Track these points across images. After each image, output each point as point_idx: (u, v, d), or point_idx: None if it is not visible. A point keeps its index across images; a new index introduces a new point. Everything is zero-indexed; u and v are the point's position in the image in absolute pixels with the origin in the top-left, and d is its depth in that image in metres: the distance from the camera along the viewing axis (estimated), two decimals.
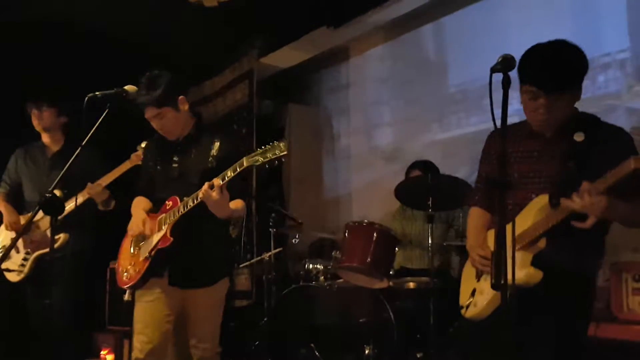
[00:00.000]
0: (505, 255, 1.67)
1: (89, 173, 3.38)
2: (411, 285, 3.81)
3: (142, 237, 2.76)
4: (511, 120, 1.87)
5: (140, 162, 3.21)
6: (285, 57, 5.95)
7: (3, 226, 3.58)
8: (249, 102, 5.85)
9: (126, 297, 2.81)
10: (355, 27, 5.36)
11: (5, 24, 4.63)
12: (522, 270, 2.07)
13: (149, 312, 2.72)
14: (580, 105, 2.25)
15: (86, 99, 2.40)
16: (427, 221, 3.58)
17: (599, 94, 3.89)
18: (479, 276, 2.32)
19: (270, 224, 4.51)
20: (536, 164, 2.21)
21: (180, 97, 2.71)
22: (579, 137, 2.13)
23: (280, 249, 4.52)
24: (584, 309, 2.20)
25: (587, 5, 4.05)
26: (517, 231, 2.11)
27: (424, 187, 3.59)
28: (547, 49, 2.12)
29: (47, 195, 2.29)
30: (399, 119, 5.43)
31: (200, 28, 5.31)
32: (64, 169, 2.37)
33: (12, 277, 3.49)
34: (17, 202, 3.64)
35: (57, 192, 2.65)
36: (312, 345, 3.68)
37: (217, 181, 2.45)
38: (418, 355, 3.60)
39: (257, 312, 4.65)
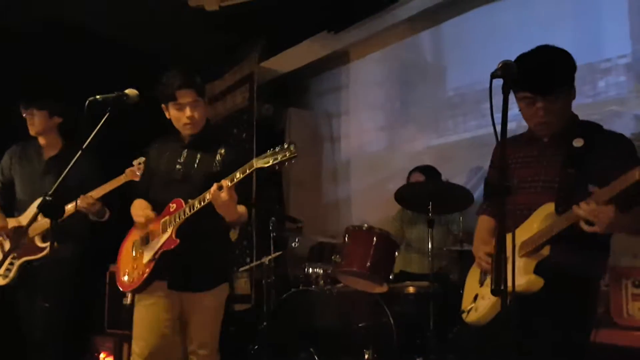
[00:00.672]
0: (505, 261, 1.66)
1: (85, 180, 3.28)
2: (411, 289, 3.81)
3: (144, 240, 2.74)
4: (510, 125, 1.87)
5: (134, 178, 3.16)
6: (286, 61, 5.96)
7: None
8: (249, 105, 5.86)
9: (128, 300, 2.79)
10: (355, 32, 5.37)
11: (4, 25, 4.63)
12: (523, 277, 2.07)
13: (148, 316, 2.70)
14: (582, 111, 2.26)
15: (86, 102, 2.38)
16: (427, 225, 3.58)
17: (600, 100, 3.88)
18: (482, 281, 2.33)
19: (270, 227, 4.51)
20: (535, 167, 2.23)
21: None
22: (578, 142, 2.15)
23: (280, 252, 4.52)
24: (588, 315, 2.19)
25: (588, 10, 4.04)
26: (522, 238, 2.13)
27: (425, 192, 3.59)
28: (534, 54, 2.17)
29: (48, 198, 2.26)
30: (398, 123, 5.43)
31: (201, 32, 5.32)
32: (63, 174, 2.31)
33: None
34: (9, 201, 3.56)
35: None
36: (311, 349, 3.66)
37: (225, 182, 2.43)
38: None
39: (257, 316, 4.64)
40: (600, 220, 1.91)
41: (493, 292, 1.65)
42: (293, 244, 4.51)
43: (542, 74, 2.11)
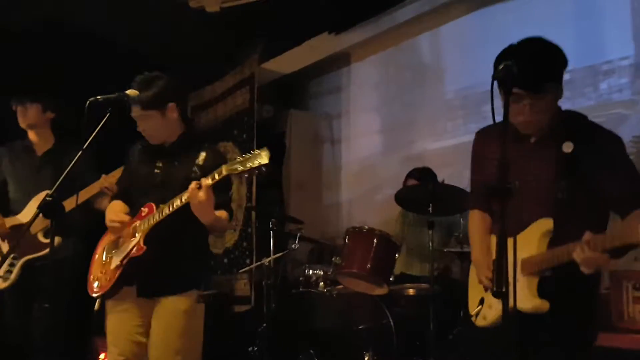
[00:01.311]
0: (506, 265, 1.65)
1: (82, 179, 3.27)
2: (411, 291, 3.80)
3: (115, 244, 2.66)
4: None
5: (108, 187, 3.09)
6: (286, 63, 5.96)
7: None
8: (250, 107, 5.85)
9: (96, 306, 2.71)
10: (356, 34, 5.37)
11: (4, 26, 4.63)
12: (530, 300, 2.02)
13: (119, 323, 2.63)
14: (586, 114, 2.21)
15: (87, 103, 2.37)
16: (428, 227, 3.58)
17: (602, 101, 3.86)
18: (486, 289, 2.28)
19: (271, 228, 4.50)
20: (523, 171, 2.13)
21: (171, 104, 2.61)
22: (567, 147, 2.05)
23: (280, 254, 4.51)
24: (591, 327, 2.16)
25: (590, 11, 4.03)
26: (522, 253, 2.06)
27: (425, 193, 3.59)
28: (522, 48, 2.06)
29: (48, 198, 2.24)
30: (399, 125, 5.43)
31: (201, 33, 5.32)
32: (65, 172, 2.30)
33: None
34: (2, 201, 3.48)
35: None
36: (311, 351, 3.66)
37: (205, 181, 2.35)
38: None
39: (256, 318, 4.64)
40: (591, 266, 1.89)
41: (495, 295, 1.64)
42: (293, 246, 4.50)
43: (530, 69, 1.97)
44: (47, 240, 3.29)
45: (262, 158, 2.24)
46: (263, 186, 5.64)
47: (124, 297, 2.61)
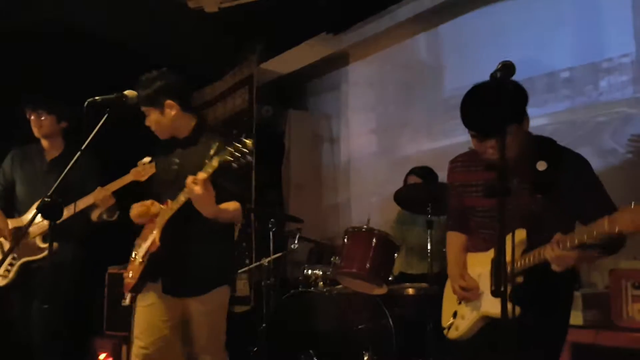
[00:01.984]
0: (505, 263, 1.67)
1: (85, 181, 3.30)
2: (410, 291, 3.80)
3: (141, 242, 2.74)
4: (541, 120, 1.86)
5: (139, 178, 3.11)
6: (285, 63, 5.96)
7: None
8: (249, 107, 5.85)
9: (126, 301, 2.79)
10: (355, 33, 5.37)
11: (4, 26, 4.63)
12: (499, 304, 2.06)
13: (145, 317, 2.69)
14: (588, 113, 2.24)
15: (85, 103, 2.37)
16: (427, 227, 3.58)
17: (604, 100, 3.81)
18: (459, 300, 2.37)
19: (270, 228, 4.50)
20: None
21: (168, 101, 2.67)
22: (541, 165, 2.14)
23: (280, 254, 4.52)
24: (560, 328, 2.26)
25: (589, 8, 3.99)
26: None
27: (423, 194, 3.59)
28: (480, 92, 2.12)
29: (46, 199, 2.25)
30: (398, 125, 5.43)
31: (200, 33, 5.32)
32: (63, 174, 2.32)
33: None
34: (10, 204, 3.56)
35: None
36: (310, 351, 3.66)
37: (201, 174, 2.39)
38: None
39: (256, 318, 4.64)
40: (562, 265, 2.00)
41: (494, 294, 1.65)
42: (292, 246, 4.50)
43: (489, 115, 1.99)
44: (45, 245, 3.33)
45: (247, 145, 2.29)
46: (262, 186, 5.63)
47: (150, 291, 2.69)
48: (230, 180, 2.53)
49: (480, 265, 2.27)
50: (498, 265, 1.65)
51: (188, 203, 2.49)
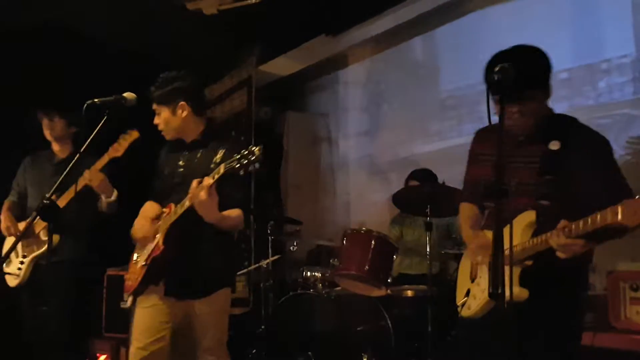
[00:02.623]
0: (502, 263, 1.67)
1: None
2: (409, 293, 3.81)
3: (142, 244, 2.74)
4: None
5: (115, 155, 3.18)
6: (284, 65, 5.96)
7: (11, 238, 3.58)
8: (248, 109, 5.86)
9: (127, 303, 2.79)
10: (353, 35, 5.38)
11: (9, 31, 4.64)
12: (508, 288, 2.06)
13: (145, 319, 2.69)
14: (585, 114, 2.23)
15: (85, 106, 2.38)
16: (426, 228, 3.58)
17: (606, 101, 3.81)
18: (472, 278, 2.34)
19: (268, 231, 4.51)
20: (508, 168, 2.16)
21: (182, 102, 2.70)
22: (554, 145, 2.12)
23: (278, 256, 4.51)
24: (575, 321, 2.20)
25: (588, 9, 4.00)
26: (505, 246, 2.11)
27: (422, 195, 3.60)
28: (508, 57, 2.09)
29: (45, 201, 2.27)
30: (397, 127, 5.44)
31: (199, 35, 5.32)
32: (62, 176, 2.34)
33: (11, 282, 3.49)
34: (24, 211, 3.66)
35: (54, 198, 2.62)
36: (309, 353, 3.66)
37: (207, 180, 2.38)
38: None
39: (255, 320, 4.64)
40: (568, 252, 1.95)
41: (490, 296, 1.65)
42: (291, 248, 4.50)
43: (515, 79, 1.98)
44: (46, 238, 3.37)
45: (255, 154, 2.27)
46: (261, 188, 5.64)
47: (151, 293, 2.68)
48: (234, 187, 2.53)
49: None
50: (496, 265, 1.65)
51: (192, 207, 2.49)
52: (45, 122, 3.64)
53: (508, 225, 2.10)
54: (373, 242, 3.57)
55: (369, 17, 5.09)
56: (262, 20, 5.09)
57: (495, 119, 1.83)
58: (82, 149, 2.39)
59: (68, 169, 2.36)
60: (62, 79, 4.65)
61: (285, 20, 5.10)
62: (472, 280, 2.33)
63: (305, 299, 3.87)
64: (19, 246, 3.49)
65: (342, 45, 5.59)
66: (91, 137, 2.40)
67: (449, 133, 4.87)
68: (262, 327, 4.22)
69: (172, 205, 2.62)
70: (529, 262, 2.08)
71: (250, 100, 5.83)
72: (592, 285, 3.55)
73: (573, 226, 1.90)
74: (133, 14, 4.89)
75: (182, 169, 2.75)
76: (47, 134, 3.65)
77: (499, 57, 2.12)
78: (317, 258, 4.91)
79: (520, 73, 1.93)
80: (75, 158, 2.36)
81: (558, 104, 2.21)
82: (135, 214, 2.82)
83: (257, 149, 2.28)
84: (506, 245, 2.07)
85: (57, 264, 3.34)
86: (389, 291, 3.64)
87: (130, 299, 2.76)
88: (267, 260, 4.46)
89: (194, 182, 2.41)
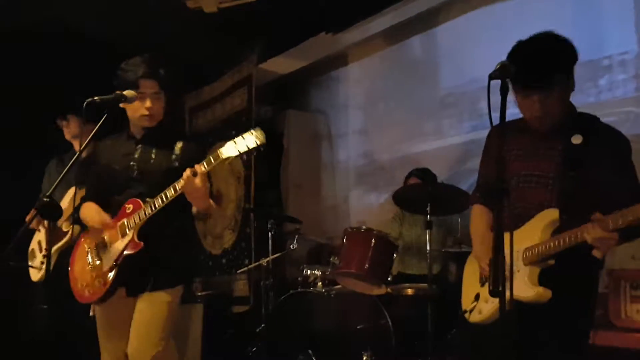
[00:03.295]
0: (503, 262, 1.66)
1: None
2: (409, 291, 3.80)
3: (101, 247, 2.60)
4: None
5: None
6: (284, 63, 5.96)
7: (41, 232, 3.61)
8: (248, 107, 5.85)
9: (92, 312, 2.65)
10: (354, 34, 5.37)
11: (4, 26, 4.64)
12: (531, 288, 2.04)
13: (109, 326, 2.60)
14: (589, 111, 2.21)
15: (84, 104, 2.37)
16: (425, 227, 3.58)
17: (610, 99, 3.78)
18: (482, 282, 2.28)
19: (269, 229, 4.50)
20: (529, 161, 2.16)
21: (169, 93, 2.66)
22: (576, 139, 2.08)
23: (279, 254, 4.51)
24: (589, 317, 2.18)
25: (589, 5, 3.97)
26: (524, 243, 2.08)
27: (423, 193, 3.59)
28: (531, 44, 2.07)
29: (45, 199, 2.24)
30: (397, 124, 5.43)
31: (199, 33, 5.31)
32: (62, 174, 2.32)
33: (34, 275, 3.52)
34: None
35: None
36: (309, 351, 3.66)
37: (199, 167, 2.34)
38: None
39: (255, 318, 4.64)
40: (603, 247, 1.89)
41: (491, 294, 1.64)
42: (291, 246, 4.50)
43: (538, 66, 2.00)
44: (68, 228, 3.37)
45: (259, 138, 2.25)
46: (261, 187, 5.64)
47: (112, 298, 2.57)
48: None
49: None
50: (496, 265, 1.64)
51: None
52: (63, 124, 3.69)
53: (528, 222, 2.09)
54: (373, 240, 3.57)
55: (369, 15, 5.08)
56: (262, 18, 5.08)
57: (495, 119, 1.81)
58: (81, 149, 2.38)
59: (68, 167, 2.35)
60: (63, 79, 4.65)
61: (285, 18, 5.09)
62: (482, 284, 2.27)
63: (305, 297, 3.87)
64: (42, 240, 3.52)
65: (342, 44, 5.58)
66: (91, 135, 2.39)
67: (454, 131, 4.86)
68: (263, 325, 4.22)
69: (138, 201, 2.53)
70: (552, 262, 2.03)
71: (250, 98, 5.82)
72: None
73: (610, 219, 1.84)
74: (132, 12, 4.88)
75: (135, 163, 2.62)
76: (66, 133, 3.69)
77: (522, 45, 2.08)
78: (317, 256, 4.91)
79: (540, 59, 1.91)
80: (75, 157, 2.35)
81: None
82: None
83: (259, 133, 2.24)
84: (527, 243, 2.06)
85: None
86: (389, 290, 3.64)
87: (93, 308, 2.63)
88: (268, 259, 4.46)
89: (188, 170, 2.35)
